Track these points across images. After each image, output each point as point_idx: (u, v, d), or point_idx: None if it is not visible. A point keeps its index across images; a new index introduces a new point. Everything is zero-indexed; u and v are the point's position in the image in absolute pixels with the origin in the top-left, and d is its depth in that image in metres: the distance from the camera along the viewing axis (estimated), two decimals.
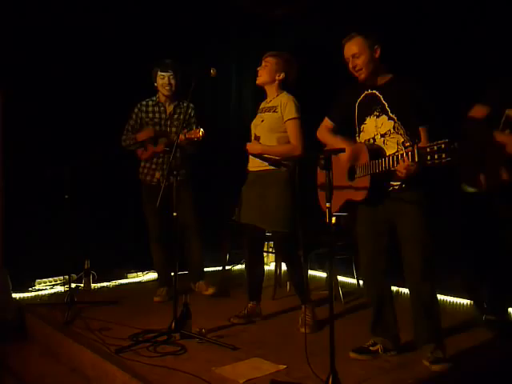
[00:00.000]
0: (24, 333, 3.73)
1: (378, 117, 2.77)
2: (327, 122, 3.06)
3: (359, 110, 2.87)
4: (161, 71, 4.07)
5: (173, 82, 4.08)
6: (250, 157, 3.45)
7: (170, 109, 4.17)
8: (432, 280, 2.71)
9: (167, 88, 4.08)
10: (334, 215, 2.44)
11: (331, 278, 2.57)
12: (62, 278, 4.55)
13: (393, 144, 2.71)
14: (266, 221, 3.37)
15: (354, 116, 2.89)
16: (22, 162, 4.32)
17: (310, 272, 4.82)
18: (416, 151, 2.36)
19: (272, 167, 3.37)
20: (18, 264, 4.23)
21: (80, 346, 3.08)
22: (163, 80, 4.07)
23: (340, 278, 4.52)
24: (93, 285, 4.65)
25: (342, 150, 2.72)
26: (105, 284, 4.77)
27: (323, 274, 4.96)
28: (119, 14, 4.71)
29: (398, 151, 2.63)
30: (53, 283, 4.61)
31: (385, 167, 2.59)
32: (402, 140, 2.68)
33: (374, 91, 2.80)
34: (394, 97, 2.72)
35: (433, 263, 2.70)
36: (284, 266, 5.34)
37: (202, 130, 3.69)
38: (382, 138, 2.75)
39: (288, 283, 4.44)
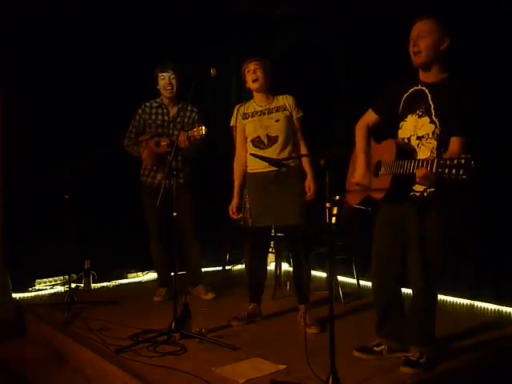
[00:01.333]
0: (24, 333, 3.73)
1: (420, 116, 2.59)
2: (370, 115, 2.83)
3: (404, 105, 2.68)
4: (161, 72, 4.06)
5: (173, 81, 4.06)
6: (251, 157, 3.41)
7: (173, 111, 4.15)
8: (430, 290, 2.67)
9: (168, 88, 4.06)
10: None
11: (331, 278, 2.57)
12: (61, 277, 4.55)
13: (427, 149, 2.55)
14: (289, 216, 3.37)
15: (398, 111, 2.71)
16: (22, 161, 4.32)
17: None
18: (436, 161, 2.21)
19: (291, 163, 3.39)
20: (18, 264, 4.23)
21: (80, 346, 3.08)
22: (164, 80, 4.05)
23: (340, 278, 4.52)
24: (93, 285, 4.65)
25: (342, 151, 2.70)
26: (105, 284, 4.77)
27: (323, 274, 4.96)
28: (119, 13, 4.71)
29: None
30: (53, 283, 4.61)
31: (406, 170, 2.43)
32: (442, 150, 2.52)
33: (423, 88, 2.60)
34: (442, 100, 2.53)
35: (435, 275, 2.64)
36: (284, 266, 5.36)
37: (204, 127, 3.67)
38: (418, 141, 2.58)
39: (288, 283, 4.44)
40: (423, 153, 2.55)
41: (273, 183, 3.42)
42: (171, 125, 4.12)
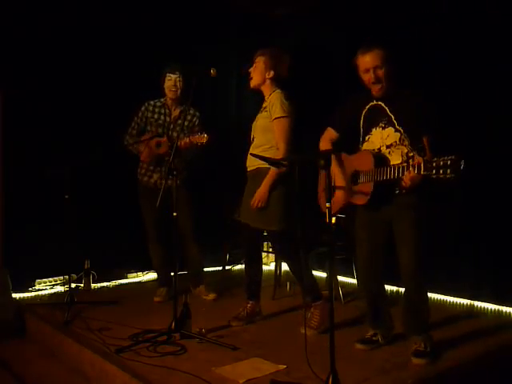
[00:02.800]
0: (24, 333, 3.74)
1: (383, 128, 2.81)
2: (331, 133, 3.08)
3: (365, 121, 2.90)
4: (169, 72, 4.06)
5: (179, 84, 4.06)
6: (249, 155, 3.43)
7: (175, 113, 4.15)
8: (420, 278, 2.80)
9: (173, 90, 4.06)
10: (334, 216, 2.46)
11: (331, 278, 2.58)
12: (61, 277, 4.55)
13: (397, 155, 2.76)
14: (258, 220, 3.36)
15: (359, 126, 2.93)
16: (22, 162, 4.32)
17: None
18: (422, 164, 2.40)
19: (263, 165, 3.31)
20: (18, 264, 4.23)
21: (80, 346, 3.08)
22: (170, 81, 4.06)
23: (340, 278, 4.52)
24: (93, 285, 4.65)
25: (341, 151, 2.80)
26: (105, 284, 4.77)
27: (323, 274, 4.96)
28: (119, 13, 4.71)
29: (402, 162, 2.71)
30: (53, 283, 4.61)
31: (390, 176, 2.65)
32: (406, 151, 2.75)
33: (379, 102, 2.84)
34: (400, 109, 2.76)
35: (422, 263, 2.78)
36: (284, 266, 5.36)
37: (206, 135, 3.66)
38: (388, 149, 2.79)
39: (288, 283, 4.44)
40: (395, 158, 2.77)
41: (251, 183, 3.43)
42: (171, 126, 4.12)
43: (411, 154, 2.71)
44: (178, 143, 3.50)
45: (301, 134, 3.50)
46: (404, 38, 4.08)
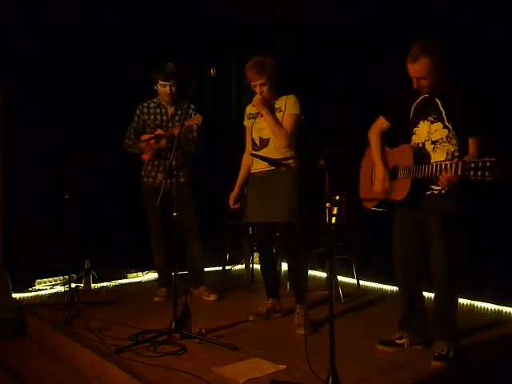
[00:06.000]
0: (24, 333, 3.73)
1: (432, 122, 2.74)
2: (382, 122, 3.00)
3: (415, 113, 2.84)
4: (162, 80, 4.05)
5: (173, 90, 4.08)
6: (255, 159, 3.48)
7: (171, 110, 4.17)
8: (452, 285, 2.77)
9: (168, 96, 4.09)
10: (334, 214, 2.44)
11: (331, 278, 2.57)
12: (61, 278, 4.55)
13: (442, 152, 2.70)
14: (277, 213, 3.37)
15: (409, 118, 2.86)
16: (22, 161, 4.32)
17: (310, 272, 4.81)
18: (460, 164, 2.37)
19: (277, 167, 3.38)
20: (18, 264, 4.23)
21: (80, 346, 3.08)
22: (164, 88, 4.07)
23: (340, 278, 4.52)
24: (93, 285, 4.65)
25: (342, 153, 2.76)
26: (105, 284, 4.77)
27: (323, 274, 4.96)
28: (119, 13, 4.71)
29: (445, 160, 2.65)
30: (53, 283, 4.62)
31: (428, 174, 2.61)
32: (453, 150, 2.69)
33: (432, 96, 2.75)
34: (452, 106, 2.68)
35: (456, 270, 2.74)
36: (284, 266, 5.36)
37: (200, 115, 3.72)
38: (433, 145, 2.73)
39: (288, 283, 4.44)
40: (439, 155, 2.71)
41: (265, 182, 3.46)
42: (170, 124, 4.13)
43: (457, 154, 2.62)
44: (174, 132, 3.52)
45: (301, 133, 3.52)
46: (404, 37, 4.08)
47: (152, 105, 4.17)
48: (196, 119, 3.77)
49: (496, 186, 3.67)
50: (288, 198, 3.38)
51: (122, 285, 4.85)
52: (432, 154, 2.72)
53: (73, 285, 4.01)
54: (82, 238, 4.33)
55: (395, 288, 4.18)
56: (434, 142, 2.73)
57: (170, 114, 4.16)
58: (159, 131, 4.05)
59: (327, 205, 2.39)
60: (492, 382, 2.83)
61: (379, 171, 2.92)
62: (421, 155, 2.73)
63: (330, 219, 2.39)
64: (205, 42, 5.20)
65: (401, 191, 2.78)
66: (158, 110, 4.17)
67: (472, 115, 2.63)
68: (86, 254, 4.56)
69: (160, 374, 2.61)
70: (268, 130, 3.46)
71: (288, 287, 4.40)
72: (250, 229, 4.97)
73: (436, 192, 2.72)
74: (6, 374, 3.10)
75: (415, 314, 2.97)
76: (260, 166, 3.50)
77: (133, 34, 4.77)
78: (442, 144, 2.70)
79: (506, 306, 3.77)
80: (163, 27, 4.94)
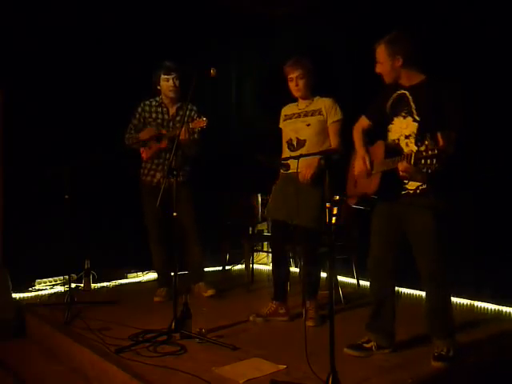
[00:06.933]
0: (24, 333, 3.73)
1: (404, 117, 2.79)
2: (363, 120, 3.07)
3: (390, 110, 2.89)
4: (164, 74, 4.07)
5: (177, 83, 4.08)
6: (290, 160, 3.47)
7: (172, 110, 4.17)
8: (440, 282, 2.75)
9: (173, 90, 4.08)
10: (334, 214, 2.44)
11: (331, 278, 2.58)
12: (61, 278, 4.55)
13: (414, 146, 2.69)
14: (301, 217, 3.35)
15: (386, 116, 2.92)
16: (22, 161, 4.32)
17: None
18: (413, 155, 2.41)
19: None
20: (18, 264, 4.22)
21: (80, 346, 3.08)
22: (168, 82, 4.07)
23: (340, 278, 4.52)
24: (93, 285, 4.65)
25: (338, 151, 2.83)
26: (105, 284, 4.77)
27: (323, 274, 4.95)
28: (119, 13, 4.71)
29: None
30: (53, 283, 4.62)
31: (390, 166, 2.66)
32: (419, 144, 2.68)
33: (405, 91, 2.81)
34: (422, 100, 2.73)
35: (442, 267, 2.73)
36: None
37: (205, 119, 3.71)
38: (406, 140, 2.77)
39: (288, 283, 4.43)
40: (412, 149, 2.69)
41: (292, 183, 3.43)
42: (171, 123, 4.13)
43: (422, 149, 2.57)
44: (177, 134, 3.53)
45: None
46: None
47: (154, 103, 4.18)
48: (201, 122, 3.73)
49: (496, 186, 3.74)
50: (313, 203, 3.40)
51: (122, 285, 4.85)
52: (405, 149, 2.74)
53: (73, 285, 4.01)
54: (82, 237, 4.33)
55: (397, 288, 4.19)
56: (406, 137, 2.77)
57: (171, 113, 4.16)
58: (163, 130, 4.05)
59: (327, 205, 2.39)
60: (492, 382, 2.83)
61: (360, 153, 2.96)
62: (392, 150, 2.77)
63: (330, 219, 2.39)
64: (205, 42, 5.20)
65: (373, 185, 2.82)
66: (160, 109, 4.17)
67: (442, 110, 2.66)
68: (86, 254, 4.56)
69: (160, 374, 2.61)
70: (305, 130, 3.50)
71: (288, 287, 4.40)
72: (250, 229, 5.00)
73: (411, 192, 2.75)
74: (5, 374, 3.10)
75: (384, 314, 2.92)
76: (294, 166, 3.47)
77: (132, 34, 4.77)
78: (414, 138, 2.73)
79: (506, 305, 3.77)
80: (163, 27, 4.94)
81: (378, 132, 3.01)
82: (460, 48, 3.92)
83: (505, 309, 3.77)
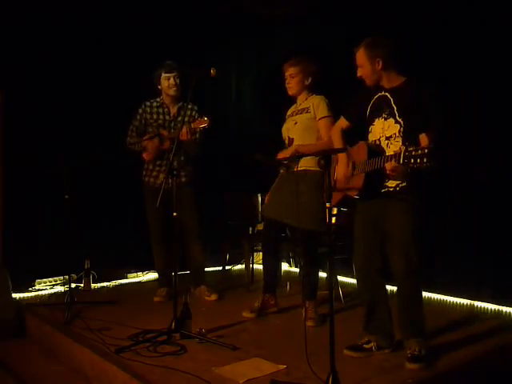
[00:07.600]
0: (24, 333, 3.73)
1: (385, 119, 2.82)
2: (342, 121, 3.10)
3: (370, 111, 2.92)
4: (165, 72, 4.07)
5: (177, 81, 4.08)
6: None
7: (173, 110, 4.16)
8: (413, 279, 2.75)
9: (174, 88, 4.08)
10: (334, 214, 2.45)
11: (331, 278, 2.57)
12: (61, 278, 4.55)
13: (395, 147, 2.74)
14: (300, 219, 3.30)
15: (366, 117, 2.94)
16: (22, 161, 4.32)
17: None
18: (402, 154, 2.42)
19: (311, 168, 3.40)
20: (18, 264, 4.23)
21: (80, 346, 3.08)
22: (169, 81, 4.07)
23: (340, 278, 4.52)
24: (93, 285, 4.65)
25: (343, 150, 2.84)
26: (105, 284, 4.77)
27: (323, 274, 4.96)
28: (120, 14, 4.71)
29: None
30: (53, 283, 4.62)
31: (377, 166, 2.68)
32: (406, 144, 2.70)
33: (385, 93, 2.84)
34: (403, 101, 2.76)
35: (415, 263, 2.72)
36: (284, 267, 5.36)
37: (206, 118, 3.70)
38: (387, 141, 2.79)
39: (288, 283, 4.44)
40: (393, 151, 2.73)
41: (292, 183, 3.43)
42: (172, 124, 4.13)
43: (410, 149, 2.60)
44: (180, 136, 3.52)
45: None
46: (404, 37, 4.08)
47: (155, 104, 4.17)
48: (203, 122, 3.71)
49: (496, 186, 3.74)
50: (312, 206, 3.38)
51: (122, 285, 4.85)
52: (387, 150, 2.76)
53: (73, 285, 4.01)
54: (82, 238, 4.32)
55: (395, 288, 4.19)
56: (387, 138, 2.79)
57: (172, 114, 4.16)
58: (163, 132, 4.05)
59: (327, 205, 2.39)
60: (492, 382, 2.83)
61: (340, 161, 2.98)
62: (375, 150, 2.78)
63: (330, 219, 2.39)
64: (205, 42, 5.20)
65: (357, 186, 2.83)
66: (161, 110, 4.16)
67: (423, 111, 2.69)
68: (86, 254, 4.56)
69: (160, 374, 2.61)
70: (294, 128, 3.54)
71: (288, 288, 4.40)
72: (250, 229, 5.00)
73: (391, 189, 2.77)
74: (5, 373, 3.10)
75: (379, 314, 2.91)
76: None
77: (133, 35, 4.77)
78: (396, 139, 2.76)
79: (506, 306, 3.77)
80: (163, 27, 4.94)
81: (356, 133, 3.04)
82: (461, 48, 3.93)
83: (505, 309, 3.77)
